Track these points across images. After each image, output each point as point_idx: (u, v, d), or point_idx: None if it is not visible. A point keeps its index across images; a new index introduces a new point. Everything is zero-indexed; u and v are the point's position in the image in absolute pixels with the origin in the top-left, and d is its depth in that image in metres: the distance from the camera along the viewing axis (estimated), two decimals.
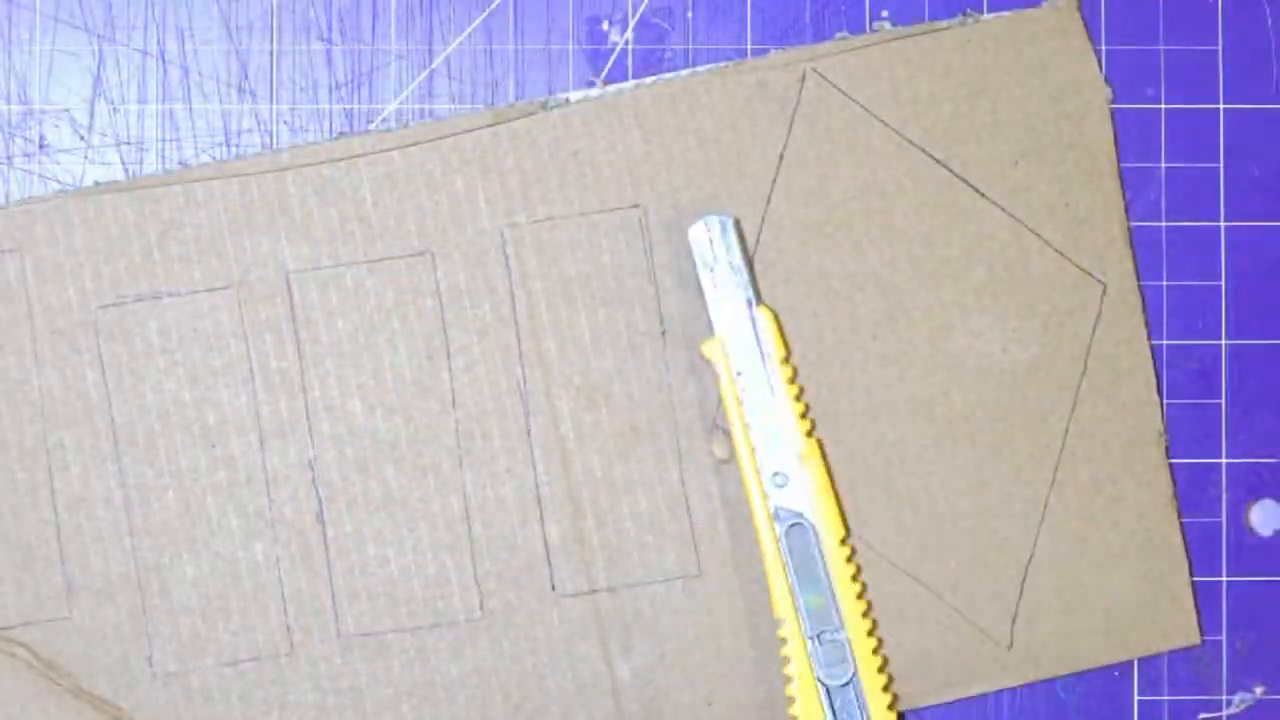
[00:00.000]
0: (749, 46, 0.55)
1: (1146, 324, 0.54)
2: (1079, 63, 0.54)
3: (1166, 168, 0.54)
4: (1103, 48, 0.55)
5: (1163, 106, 0.55)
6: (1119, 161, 0.54)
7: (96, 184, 0.54)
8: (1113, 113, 0.54)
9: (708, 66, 0.54)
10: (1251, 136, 0.55)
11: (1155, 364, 0.54)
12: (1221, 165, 0.55)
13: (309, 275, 0.53)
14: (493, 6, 0.55)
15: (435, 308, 0.54)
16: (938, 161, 0.54)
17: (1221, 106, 0.55)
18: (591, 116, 0.54)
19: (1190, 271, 0.55)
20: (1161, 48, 0.55)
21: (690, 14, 0.55)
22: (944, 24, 0.54)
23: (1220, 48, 0.55)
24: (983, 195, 0.53)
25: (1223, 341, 0.55)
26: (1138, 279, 0.54)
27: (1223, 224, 0.55)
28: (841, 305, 0.53)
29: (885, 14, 0.54)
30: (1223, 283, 0.55)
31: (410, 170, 0.54)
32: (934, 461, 0.53)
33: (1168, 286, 0.54)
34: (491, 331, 0.53)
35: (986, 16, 0.54)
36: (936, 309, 0.53)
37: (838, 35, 0.54)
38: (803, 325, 0.53)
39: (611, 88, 0.54)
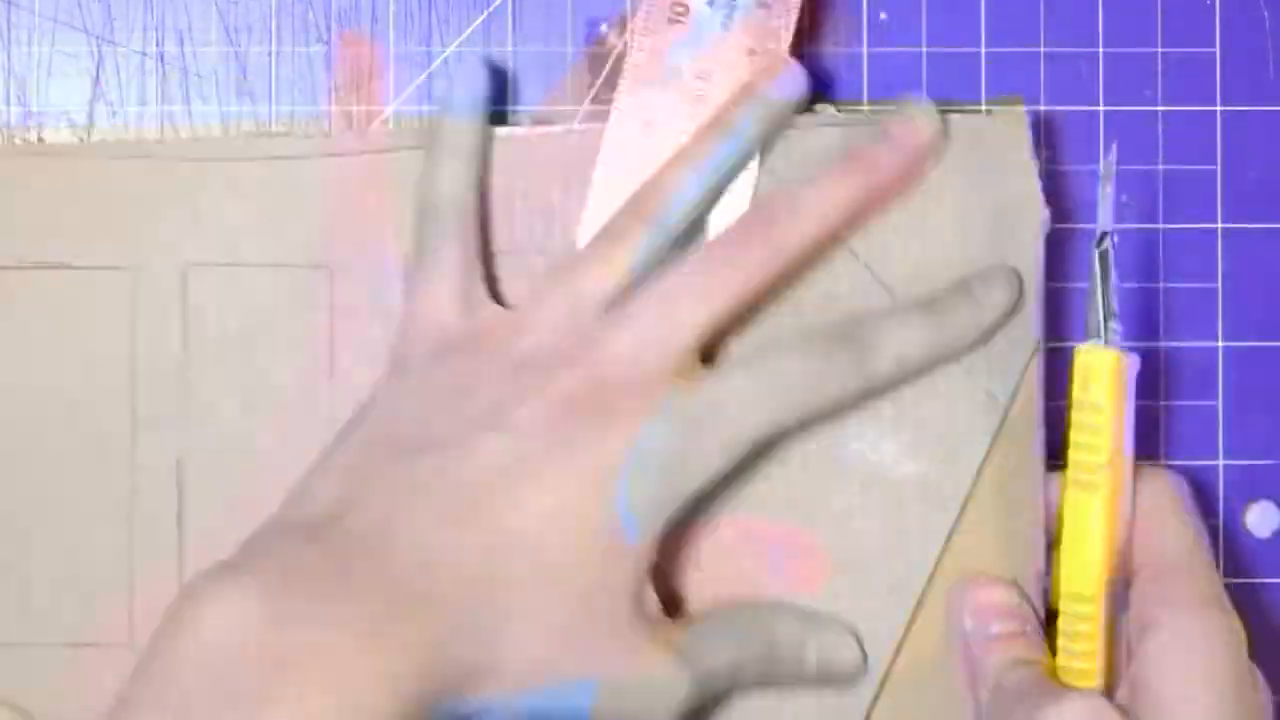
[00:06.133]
0: None
1: (1044, 458, 0.52)
2: (1020, 179, 0.52)
3: (1163, 169, 0.54)
4: (1100, 50, 0.54)
5: (1159, 109, 0.54)
6: (1044, 285, 0.52)
7: (19, 142, 0.54)
8: (1048, 236, 0.52)
9: None
10: (1249, 138, 0.54)
11: (1153, 367, 0.54)
12: (1219, 167, 0.54)
13: (207, 269, 0.53)
14: (491, 9, 0.54)
15: (326, 324, 0.53)
16: (863, 264, 0.52)
17: (1219, 109, 0.54)
18: (508, 158, 0.52)
19: (1187, 273, 0.54)
20: (1159, 50, 0.54)
21: None
22: (889, 111, 0.52)
23: (1217, 50, 0.54)
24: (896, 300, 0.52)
25: (1219, 344, 0.54)
26: (1039, 408, 0.52)
27: (1219, 226, 0.54)
28: None
29: (834, 110, 0.53)
30: (1219, 284, 0.54)
31: (325, 181, 0.53)
32: None
33: (1164, 288, 0.54)
34: (380, 357, 0.52)
35: None
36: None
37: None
38: None
39: (538, 130, 0.53)
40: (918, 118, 0.51)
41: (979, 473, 0.52)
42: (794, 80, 0.51)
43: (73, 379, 0.53)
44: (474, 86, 0.52)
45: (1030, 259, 0.52)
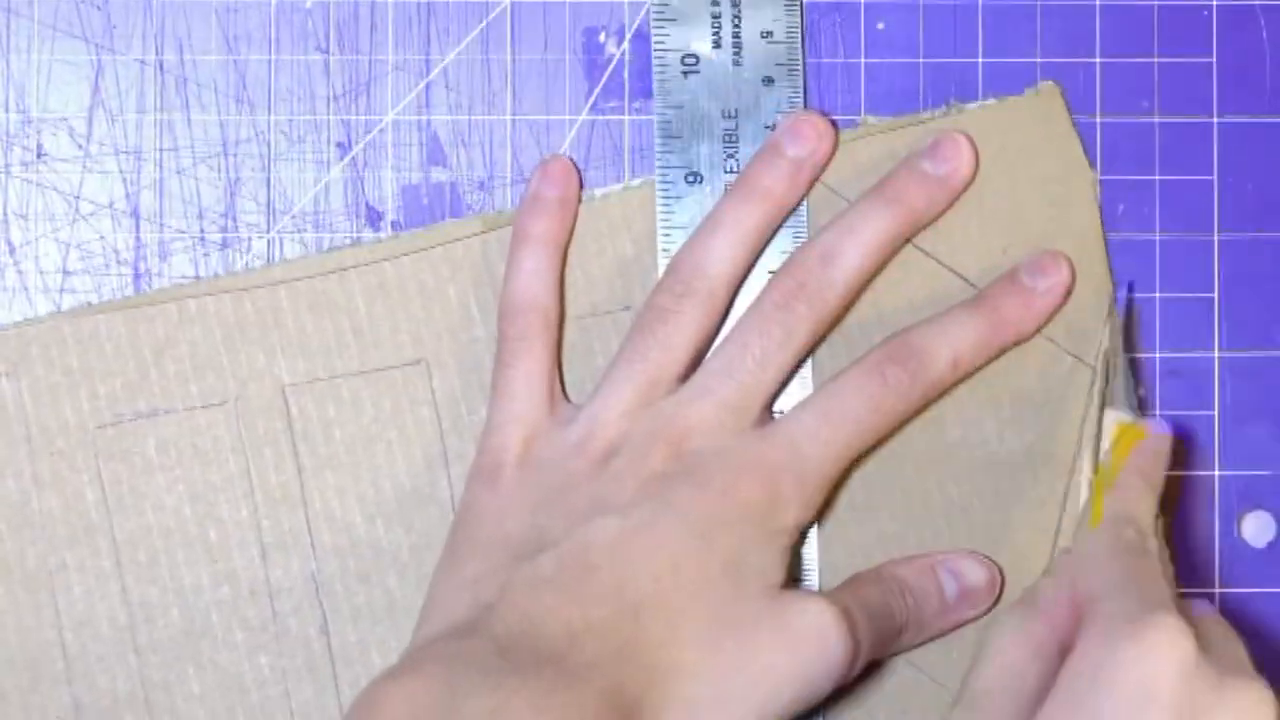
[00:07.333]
0: None
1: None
2: (1064, 148, 0.54)
3: (1160, 180, 0.55)
4: (1097, 60, 0.55)
5: (1156, 119, 0.55)
6: (1107, 245, 0.54)
7: (89, 304, 0.54)
8: (1099, 197, 0.54)
9: None
10: (1245, 148, 0.55)
11: (1149, 377, 0.54)
12: (1215, 177, 0.55)
13: (305, 388, 0.54)
14: (490, 18, 0.55)
15: (432, 416, 0.54)
16: (925, 253, 0.54)
17: (1215, 119, 0.55)
18: (579, 222, 0.54)
19: (1183, 283, 0.55)
20: (1156, 60, 0.55)
21: None
22: (928, 115, 0.54)
23: (1214, 60, 0.55)
24: (972, 285, 0.54)
25: (1215, 353, 0.55)
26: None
27: (1216, 236, 0.55)
28: None
29: (873, 120, 0.54)
30: (1216, 294, 0.55)
31: (402, 280, 0.54)
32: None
33: (1161, 298, 0.55)
34: None
35: (970, 106, 0.54)
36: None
37: None
38: None
39: (599, 191, 0.54)
40: (947, 150, 0.53)
41: (1082, 433, 0.54)
42: (819, 136, 0.53)
43: (195, 518, 0.53)
44: (564, 184, 0.54)
45: (1089, 221, 0.54)
